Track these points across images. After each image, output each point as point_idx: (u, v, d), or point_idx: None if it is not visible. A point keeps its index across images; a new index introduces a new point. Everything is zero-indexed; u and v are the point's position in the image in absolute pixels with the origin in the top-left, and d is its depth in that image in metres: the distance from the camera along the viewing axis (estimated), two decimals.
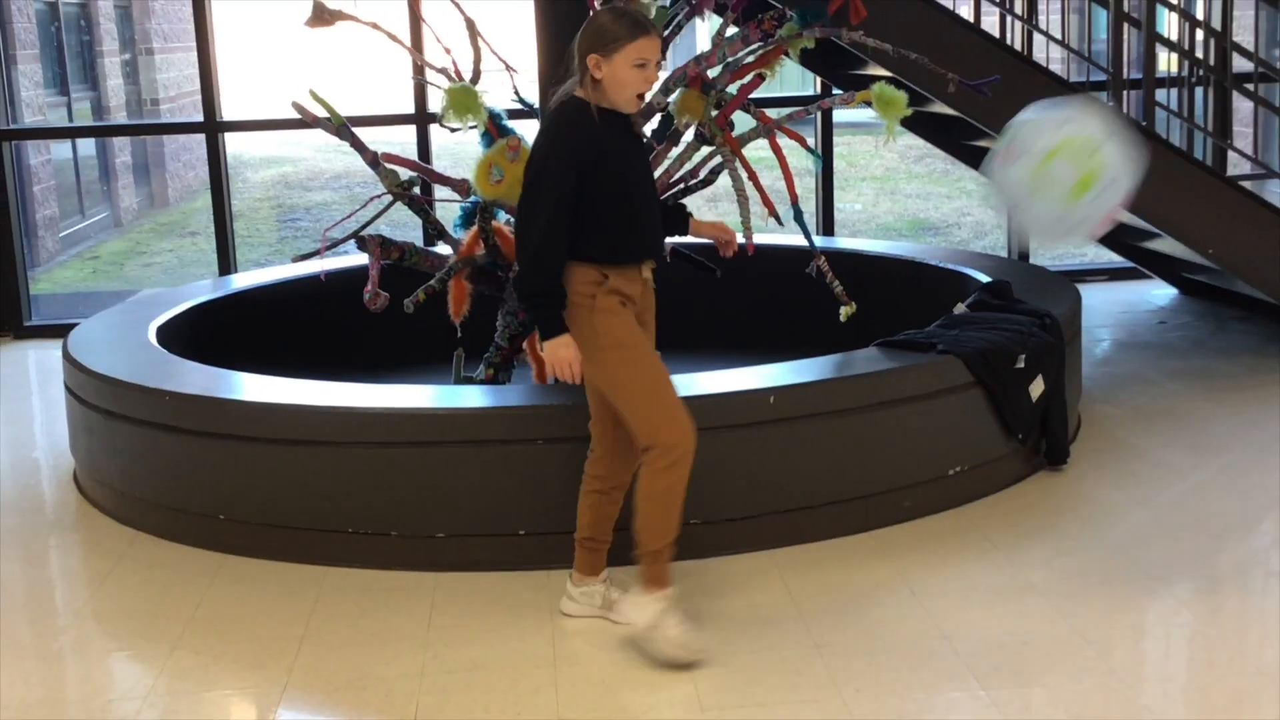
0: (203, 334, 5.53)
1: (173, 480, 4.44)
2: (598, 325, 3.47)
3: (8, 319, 7.60)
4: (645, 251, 3.57)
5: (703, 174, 4.97)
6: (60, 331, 6.67)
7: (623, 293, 3.49)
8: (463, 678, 3.46)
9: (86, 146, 13.88)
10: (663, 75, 4.81)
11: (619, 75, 3.39)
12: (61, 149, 13.13)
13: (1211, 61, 6.20)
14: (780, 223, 4.84)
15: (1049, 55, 6.34)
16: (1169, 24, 6.49)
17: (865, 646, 3.55)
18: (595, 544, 3.73)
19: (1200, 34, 6.23)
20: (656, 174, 4.91)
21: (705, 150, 4.91)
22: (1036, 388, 4.65)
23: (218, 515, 4.33)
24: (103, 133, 14.24)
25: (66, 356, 4.91)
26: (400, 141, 6.43)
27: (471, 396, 4.37)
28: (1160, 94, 6.01)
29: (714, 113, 4.75)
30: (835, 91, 6.73)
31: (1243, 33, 6.63)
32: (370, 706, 3.35)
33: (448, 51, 4.86)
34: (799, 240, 5.07)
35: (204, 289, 6.17)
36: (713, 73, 4.76)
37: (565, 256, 3.44)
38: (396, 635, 3.71)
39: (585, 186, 3.41)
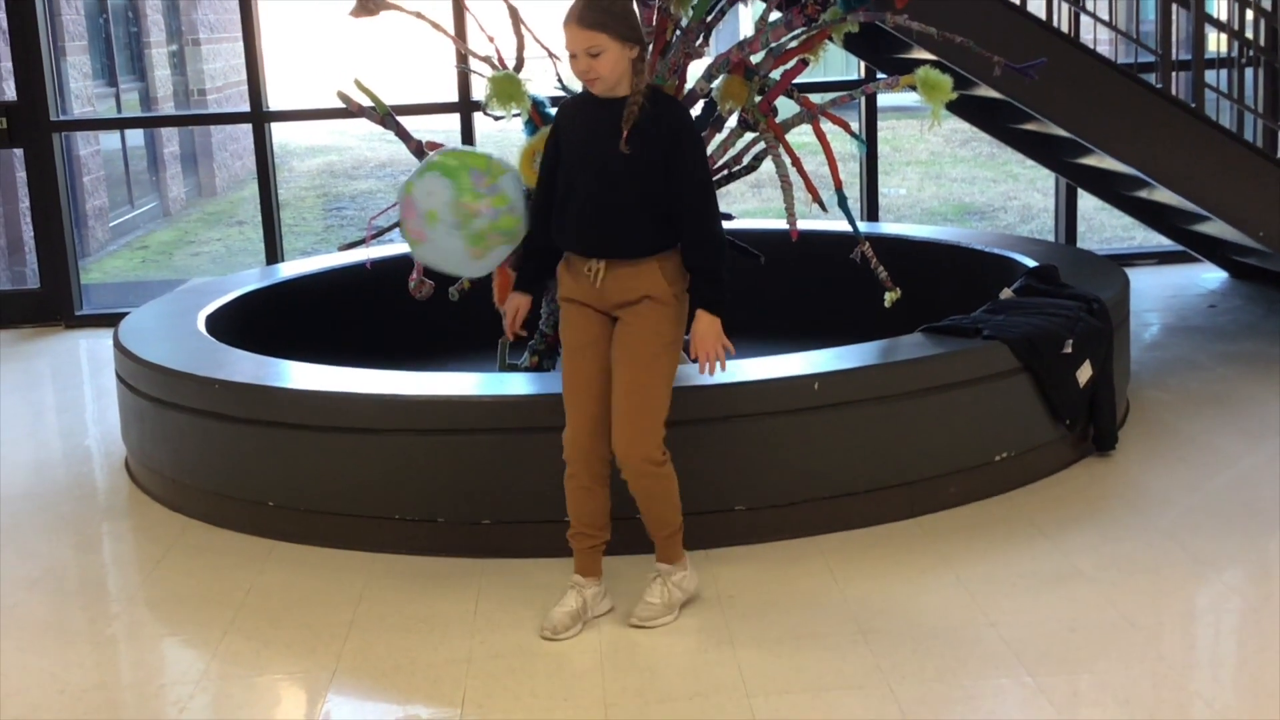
0: (251, 322, 5.57)
1: (222, 467, 4.49)
2: (677, 320, 3.54)
3: (59, 308, 7.70)
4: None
5: (746, 160, 4.96)
6: (110, 320, 6.76)
7: None
8: (509, 663, 3.48)
9: (135, 137, 14.00)
10: (705, 61, 4.81)
11: None
12: (110, 140, 13.25)
13: (1262, 42, 6.12)
14: (824, 208, 4.83)
15: (1096, 37, 6.30)
16: (1218, 4, 6.41)
17: (911, 633, 3.55)
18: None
19: (1250, 14, 6.15)
20: None
21: (749, 136, 4.90)
22: (1084, 373, 4.62)
23: (267, 502, 4.38)
24: (151, 123, 14.36)
25: (117, 345, 4.97)
26: (444, 130, 6.45)
27: (516, 384, 4.39)
28: (1210, 75, 5.94)
29: (757, 98, 4.74)
30: (879, 76, 6.70)
31: None
32: (419, 691, 3.38)
33: (491, 39, 4.87)
34: (843, 226, 5.06)
35: (252, 278, 6.22)
36: (756, 58, 4.75)
37: None
38: (443, 621, 3.74)
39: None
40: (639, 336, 3.50)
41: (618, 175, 3.44)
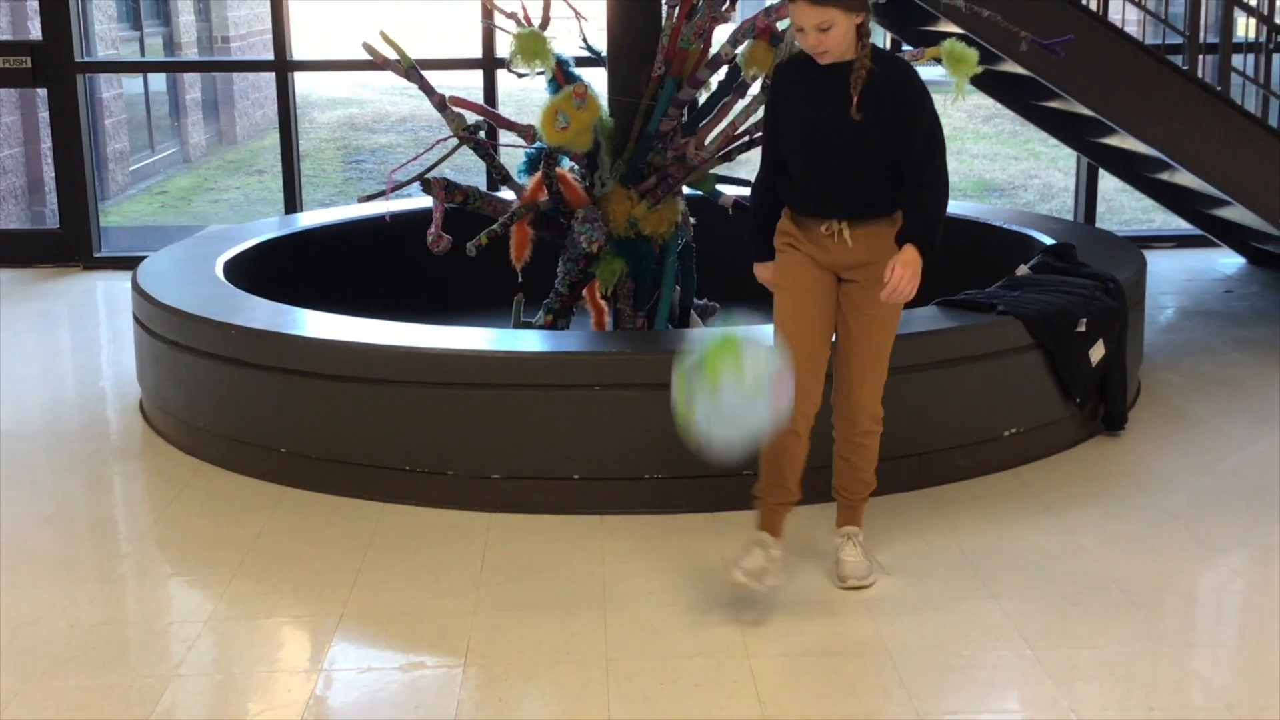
0: (268, 270, 5.60)
1: (236, 412, 4.52)
2: None
3: (78, 250, 7.73)
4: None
5: None
6: (128, 264, 6.79)
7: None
8: (513, 615, 3.52)
9: (157, 82, 14.00)
10: (731, 26, 4.80)
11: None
12: (133, 84, 13.26)
13: None
14: None
15: (1125, 17, 6.26)
16: None
17: (913, 603, 3.58)
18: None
19: None
20: (721, 126, 4.91)
21: None
22: (1097, 352, 4.62)
23: (279, 448, 4.41)
24: (174, 68, 14.35)
25: (136, 288, 5.00)
26: (467, 86, 6.45)
27: (530, 341, 4.41)
28: (1236, 59, 5.91)
29: None
30: (905, 48, 6.67)
31: None
32: (423, 640, 3.42)
33: None
34: None
35: (270, 226, 6.24)
36: (782, 25, 4.74)
37: None
38: (450, 572, 3.78)
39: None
40: (878, 303, 3.45)
41: (852, 139, 3.39)
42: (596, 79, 4.86)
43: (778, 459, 3.54)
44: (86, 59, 7.82)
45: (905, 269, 3.36)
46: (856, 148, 3.40)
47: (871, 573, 3.67)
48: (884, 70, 3.40)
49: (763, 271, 3.72)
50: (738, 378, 3.12)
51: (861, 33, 3.38)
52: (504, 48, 5.08)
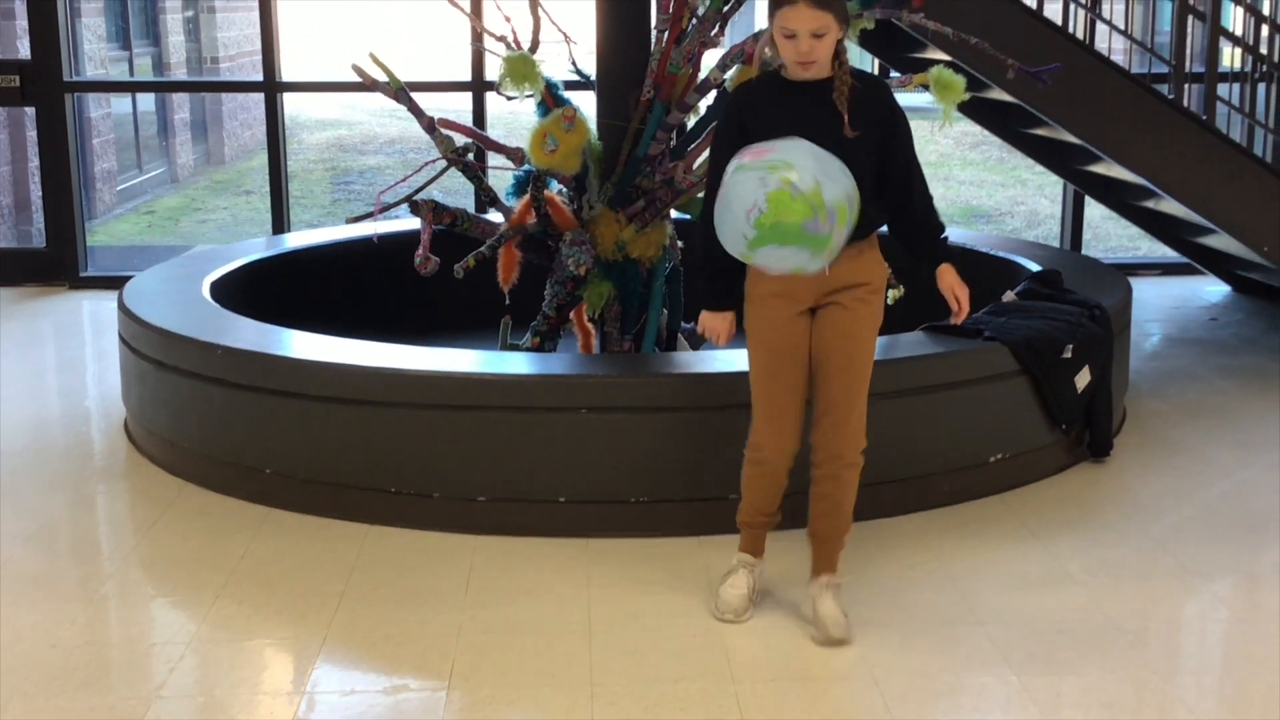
0: (255, 291, 5.59)
1: (221, 433, 4.51)
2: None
3: (64, 269, 7.70)
4: None
5: None
6: (115, 283, 6.76)
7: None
8: (498, 639, 3.51)
9: (146, 102, 14.00)
10: (720, 51, 4.81)
11: (776, 40, 3.33)
12: (121, 103, 13.25)
13: (1275, 58, 6.12)
14: None
15: (1111, 45, 6.30)
16: (1234, 18, 6.42)
17: (899, 627, 3.57)
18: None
19: (1265, 29, 6.16)
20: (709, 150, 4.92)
21: None
22: (1082, 379, 4.64)
23: (264, 469, 4.39)
24: (164, 88, 14.35)
25: (122, 307, 4.99)
26: (456, 109, 6.46)
27: (517, 363, 4.40)
28: (1222, 89, 5.95)
29: None
30: (893, 74, 6.70)
31: None
32: (407, 663, 3.40)
33: (508, 20, 4.89)
34: None
35: (257, 247, 6.23)
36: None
37: None
38: (435, 595, 3.76)
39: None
40: (863, 324, 3.43)
41: (843, 159, 3.29)
42: (585, 102, 4.87)
43: (762, 495, 3.57)
44: (75, 78, 7.81)
45: (962, 289, 3.47)
46: (849, 166, 3.30)
47: (850, 627, 3.50)
48: (867, 87, 3.37)
49: (717, 322, 3.56)
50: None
51: (839, 49, 3.34)
52: (493, 70, 5.09)
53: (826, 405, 3.45)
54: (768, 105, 3.40)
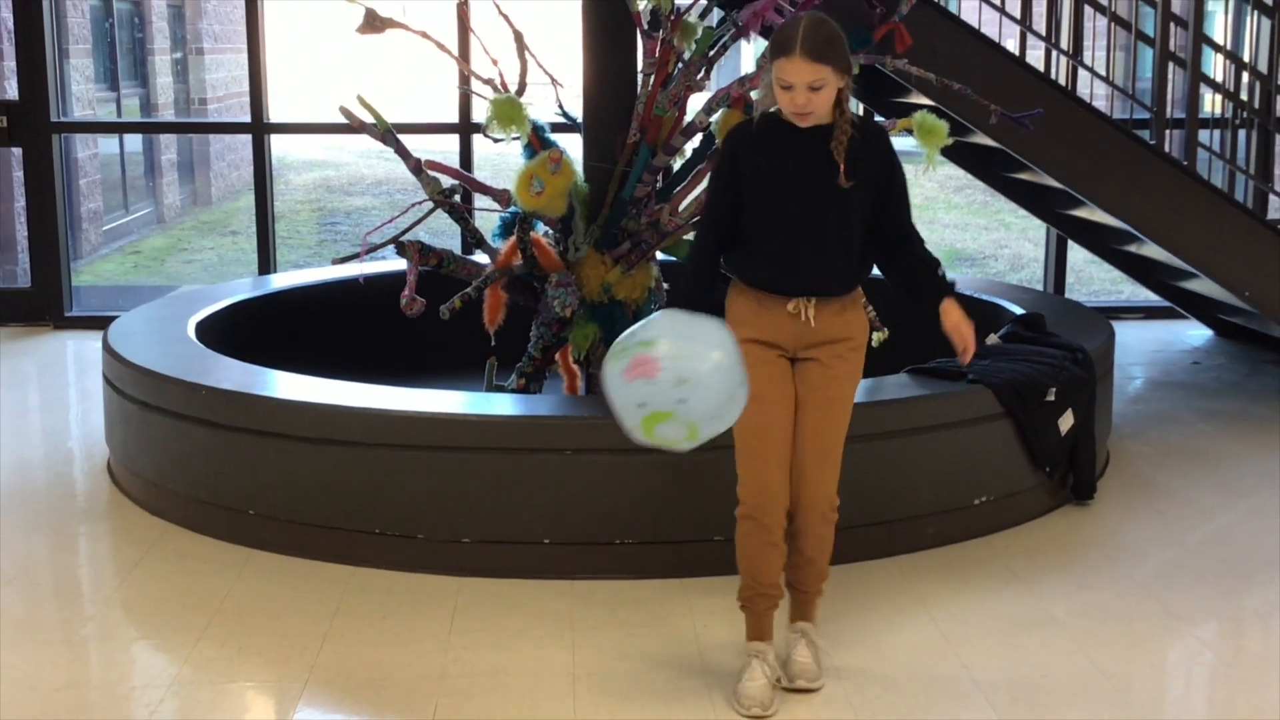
0: (241, 331, 5.59)
1: (205, 474, 4.50)
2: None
3: (49, 309, 7.69)
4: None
5: None
6: (100, 323, 6.76)
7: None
8: (482, 681, 3.49)
9: (133, 142, 14.03)
10: (706, 95, 4.85)
11: (774, 89, 3.27)
12: (108, 144, 13.28)
13: (1256, 104, 6.19)
14: None
15: (1093, 91, 6.35)
16: (1215, 64, 6.49)
17: (883, 671, 3.57)
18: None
19: (1245, 76, 6.23)
20: (695, 193, 4.95)
21: None
22: (1065, 421, 4.65)
23: (248, 510, 4.38)
24: (151, 129, 14.39)
25: (106, 348, 4.98)
26: (443, 150, 6.49)
27: (502, 404, 4.41)
28: (1203, 135, 6.00)
29: None
30: (878, 118, 6.75)
31: None
32: (390, 706, 3.39)
33: (495, 63, 4.92)
34: None
35: (243, 287, 6.23)
36: (756, 94, 4.79)
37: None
38: (418, 637, 3.75)
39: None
40: (841, 382, 3.38)
41: (835, 208, 3.26)
42: (572, 145, 4.89)
43: (759, 568, 3.38)
44: (63, 119, 7.83)
45: (968, 326, 3.39)
46: (841, 217, 3.28)
47: (821, 676, 3.45)
48: (865, 136, 3.29)
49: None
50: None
51: (842, 97, 3.25)
52: (480, 113, 5.12)
53: (800, 461, 3.37)
54: (763, 148, 3.32)
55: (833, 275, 3.34)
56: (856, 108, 7.43)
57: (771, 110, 3.34)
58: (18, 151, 8.06)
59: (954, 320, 3.39)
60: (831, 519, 3.43)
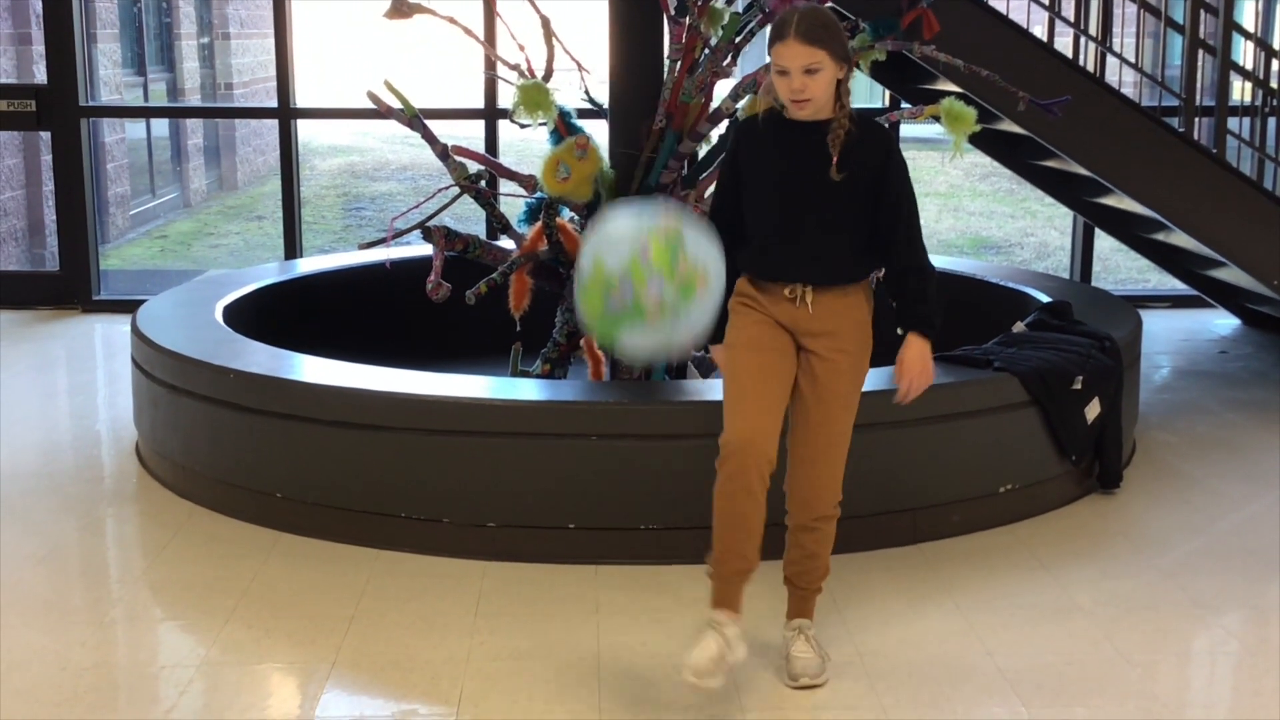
0: (267, 316, 5.61)
1: (233, 457, 4.52)
2: (868, 355, 3.39)
3: (77, 292, 7.74)
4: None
5: None
6: (127, 307, 6.81)
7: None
8: (507, 665, 3.51)
9: (160, 127, 14.09)
10: (732, 81, 4.84)
11: (772, 78, 3.26)
12: (136, 128, 13.33)
13: None
14: None
15: (1121, 79, 6.32)
16: (1245, 52, 6.44)
17: (907, 657, 3.57)
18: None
19: (1276, 64, 6.18)
20: None
21: None
22: (1092, 410, 4.64)
23: (275, 493, 4.41)
24: (179, 114, 14.45)
25: (135, 331, 5.01)
26: (468, 136, 6.50)
27: (528, 389, 4.42)
28: (1232, 122, 5.96)
29: None
30: (904, 105, 6.73)
31: None
32: (416, 688, 3.41)
33: (521, 48, 4.92)
34: None
35: (270, 272, 6.26)
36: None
37: None
38: (444, 620, 3.77)
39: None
40: (843, 375, 3.32)
41: (826, 201, 3.25)
42: (598, 131, 4.90)
43: (732, 525, 3.26)
44: (91, 103, 7.87)
45: (910, 369, 3.31)
46: (830, 210, 3.26)
47: (824, 670, 3.42)
48: (865, 134, 3.26)
49: (721, 356, 3.43)
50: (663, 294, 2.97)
51: (841, 91, 3.23)
52: (506, 98, 5.12)
53: (801, 456, 3.34)
54: (763, 143, 3.34)
55: (826, 265, 3.30)
56: (883, 96, 7.44)
57: (776, 106, 3.34)
58: (46, 136, 8.12)
59: (906, 357, 3.33)
60: (832, 516, 3.38)
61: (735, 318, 3.38)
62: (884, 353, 3.45)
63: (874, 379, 4.40)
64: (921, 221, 3.40)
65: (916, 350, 3.32)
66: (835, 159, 3.21)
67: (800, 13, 3.20)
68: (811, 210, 3.28)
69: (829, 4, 4.67)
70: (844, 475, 3.40)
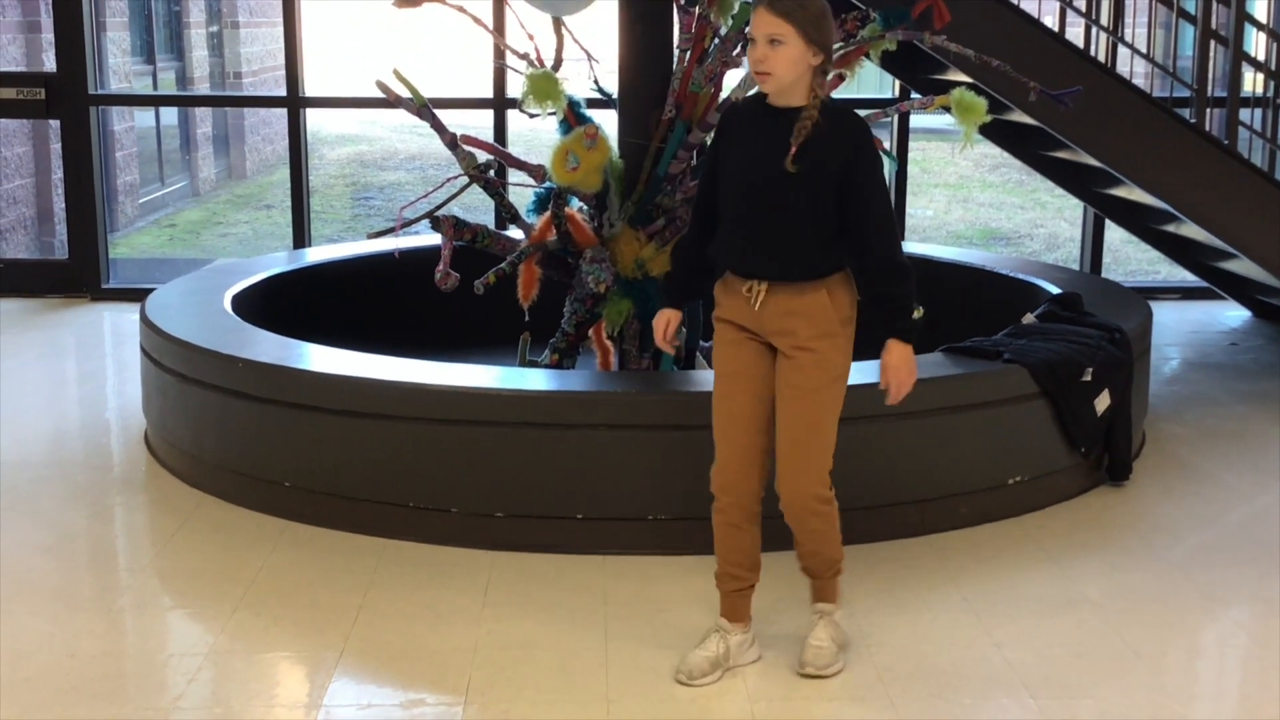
0: (276, 305, 5.62)
1: (241, 445, 4.53)
2: (844, 351, 3.33)
3: (86, 281, 7.75)
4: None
5: None
6: (136, 295, 6.80)
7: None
8: (514, 654, 3.51)
9: (169, 116, 14.09)
10: (742, 71, 4.83)
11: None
12: (145, 117, 13.33)
13: None
14: None
15: (1133, 69, 6.30)
16: (1256, 43, 6.41)
17: (915, 649, 3.56)
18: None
19: None
20: None
21: None
22: (1102, 402, 4.63)
23: (283, 482, 4.41)
24: (186, 102, 14.44)
25: (144, 320, 5.01)
26: (476, 125, 6.49)
27: (536, 379, 4.42)
28: (1244, 113, 5.94)
29: None
30: (914, 95, 6.71)
31: None
32: (423, 677, 3.41)
33: (531, 38, 4.92)
34: None
35: (278, 261, 6.26)
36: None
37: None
38: (451, 610, 3.77)
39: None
40: (805, 371, 3.24)
41: (784, 193, 3.17)
42: (607, 121, 4.89)
43: (727, 549, 3.38)
44: (100, 91, 7.87)
45: (895, 373, 3.28)
46: (787, 202, 3.18)
47: (836, 663, 3.41)
48: (834, 126, 3.16)
49: (659, 317, 3.47)
50: None
51: (816, 79, 3.16)
52: (516, 88, 5.11)
53: (779, 450, 3.32)
54: (738, 130, 3.31)
55: (785, 260, 3.23)
56: (892, 85, 7.41)
57: (755, 93, 3.33)
58: (56, 124, 8.12)
59: (889, 363, 3.30)
60: (820, 510, 3.32)
61: (715, 337, 3.41)
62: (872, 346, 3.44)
63: (876, 372, 4.39)
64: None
65: (898, 355, 3.30)
66: (794, 149, 3.13)
67: None
68: (768, 201, 3.21)
69: None
70: (846, 467, 3.40)
